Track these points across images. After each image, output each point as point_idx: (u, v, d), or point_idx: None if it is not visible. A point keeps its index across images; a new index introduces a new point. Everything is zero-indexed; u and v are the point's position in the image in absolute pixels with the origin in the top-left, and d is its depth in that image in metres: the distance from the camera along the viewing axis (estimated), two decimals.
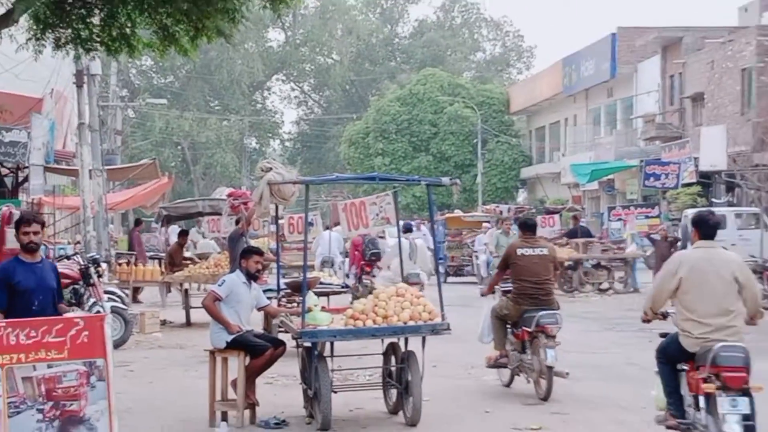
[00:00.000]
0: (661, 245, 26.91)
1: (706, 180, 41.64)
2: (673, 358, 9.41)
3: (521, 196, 69.26)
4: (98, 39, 14.10)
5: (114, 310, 17.29)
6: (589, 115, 58.99)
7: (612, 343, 18.31)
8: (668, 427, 9.49)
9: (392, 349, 11.92)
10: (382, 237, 24.54)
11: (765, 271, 23.78)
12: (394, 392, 11.80)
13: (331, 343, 11.61)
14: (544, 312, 12.91)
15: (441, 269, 28.89)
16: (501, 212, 37.12)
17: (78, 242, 26.88)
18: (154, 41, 14.19)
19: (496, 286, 13.97)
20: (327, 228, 29.36)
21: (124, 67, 72.08)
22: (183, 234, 25.20)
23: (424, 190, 12.31)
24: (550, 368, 12.63)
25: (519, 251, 13.29)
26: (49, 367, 8.33)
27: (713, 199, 41.44)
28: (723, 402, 8.70)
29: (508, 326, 13.60)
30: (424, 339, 11.43)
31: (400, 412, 11.57)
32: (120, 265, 24.89)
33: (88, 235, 24.81)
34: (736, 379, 8.72)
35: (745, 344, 8.96)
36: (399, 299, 11.38)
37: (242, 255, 12.25)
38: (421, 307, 11.35)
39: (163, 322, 21.60)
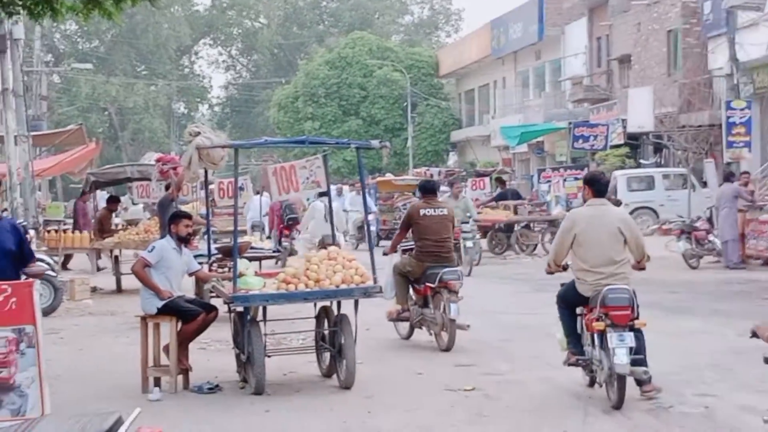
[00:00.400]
0: None
1: (634, 141, 42.07)
2: (571, 303, 10.57)
3: (452, 159, 69.42)
4: (20, 2, 13.81)
5: (43, 277, 17.11)
6: (518, 77, 59.20)
7: (543, 303, 18.28)
8: (569, 364, 10.65)
9: (325, 312, 11.91)
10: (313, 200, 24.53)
11: (693, 231, 24.00)
12: (327, 356, 11.81)
13: (264, 308, 11.56)
14: (447, 269, 13.65)
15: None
16: (432, 175, 37.14)
17: (5, 209, 26.49)
18: (78, 5, 13.91)
19: (398, 246, 14.56)
20: (258, 192, 29.23)
21: (48, 32, 71.01)
22: (112, 200, 24.89)
23: (354, 153, 12.37)
24: (452, 321, 13.32)
25: (421, 212, 13.99)
26: None
27: (641, 160, 41.90)
28: (612, 337, 9.78)
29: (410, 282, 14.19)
30: (356, 302, 11.44)
31: (334, 376, 11.57)
32: (48, 232, 24.57)
33: (15, 202, 24.48)
34: (622, 317, 9.86)
35: (631, 286, 10.05)
36: (331, 262, 11.37)
37: (171, 220, 12.14)
38: (353, 270, 11.34)
39: (94, 289, 21.41)
